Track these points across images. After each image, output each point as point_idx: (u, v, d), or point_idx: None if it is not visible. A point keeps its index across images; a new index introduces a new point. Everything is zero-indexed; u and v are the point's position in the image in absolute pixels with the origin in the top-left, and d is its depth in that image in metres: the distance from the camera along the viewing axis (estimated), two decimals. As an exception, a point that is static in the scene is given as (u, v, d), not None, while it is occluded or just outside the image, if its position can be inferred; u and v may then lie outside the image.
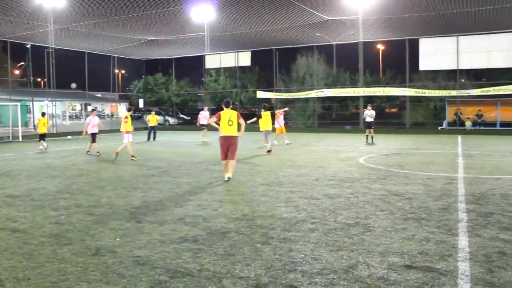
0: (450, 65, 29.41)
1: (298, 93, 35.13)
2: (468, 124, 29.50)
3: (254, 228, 6.05)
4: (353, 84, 36.20)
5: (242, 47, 35.53)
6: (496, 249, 5.05)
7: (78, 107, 41.04)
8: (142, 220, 6.57)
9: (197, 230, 5.95)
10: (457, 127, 29.30)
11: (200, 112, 24.56)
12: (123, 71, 56.63)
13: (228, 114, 10.32)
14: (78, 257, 4.93)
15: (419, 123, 32.86)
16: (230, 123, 10.26)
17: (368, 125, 20.91)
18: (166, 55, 41.37)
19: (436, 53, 29.29)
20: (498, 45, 27.79)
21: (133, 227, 6.19)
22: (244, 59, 36.32)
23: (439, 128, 30.67)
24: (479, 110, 30.49)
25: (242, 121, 10.55)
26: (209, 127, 19.44)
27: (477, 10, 25.52)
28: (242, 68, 39.73)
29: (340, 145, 19.64)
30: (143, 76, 49.74)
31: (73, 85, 44.52)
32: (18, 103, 29.33)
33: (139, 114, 44.15)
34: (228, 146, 10.26)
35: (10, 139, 26.17)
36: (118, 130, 19.41)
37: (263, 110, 17.54)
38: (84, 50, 37.44)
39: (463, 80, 33.13)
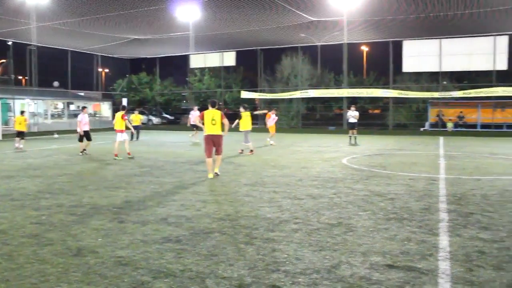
0: (433, 67, 29.87)
1: (282, 94, 35.20)
2: (449, 125, 29.91)
3: (238, 228, 6.04)
4: (338, 85, 36.48)
5: (227, 47, 35.50)
6: (475, 248, 5.13)
7: (60, 105, 40.46)
8: (125, 220, 6.51)
9: (180, 230, 5.92)
10: (439, 128, 29.70)
11: (190, 112, 24.22)
12: (106, 70, 56.07)
13: (211, 114, 10.54)
14: (59, 258, 4.86)
15: (402, 124, 33.21)
16: (213, 122, 10.48)
17: (351, 126, 21.03)
18: (150, 54, 41.12)
19: (419, 55, 29.70)
20: (479, 48, 28.33)
21: (116, 227, 6.13)
22: (229, 59, 36.26)
23: (421, 129, 31.03)
24: (461, 112, 30.95)
25: (226, 121, 10.68)
26: (199, 127, 19.24)
27: (459, 14, 25.96)
28: (227, 68, 39.69)
29: (323, 146, 19.73)
30: (127, 75, 49.32)
31: (56, 84, 43.86)
32: (-1, 101, 28.87)
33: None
34: (213, 144, 10.59)
35: (-10, 137, 25.63)
36: (101, 129, 19.23)
37: (243, 110, 17.15)
38: (67, 48, 36.98)
39: (445, 82, 33.66)
